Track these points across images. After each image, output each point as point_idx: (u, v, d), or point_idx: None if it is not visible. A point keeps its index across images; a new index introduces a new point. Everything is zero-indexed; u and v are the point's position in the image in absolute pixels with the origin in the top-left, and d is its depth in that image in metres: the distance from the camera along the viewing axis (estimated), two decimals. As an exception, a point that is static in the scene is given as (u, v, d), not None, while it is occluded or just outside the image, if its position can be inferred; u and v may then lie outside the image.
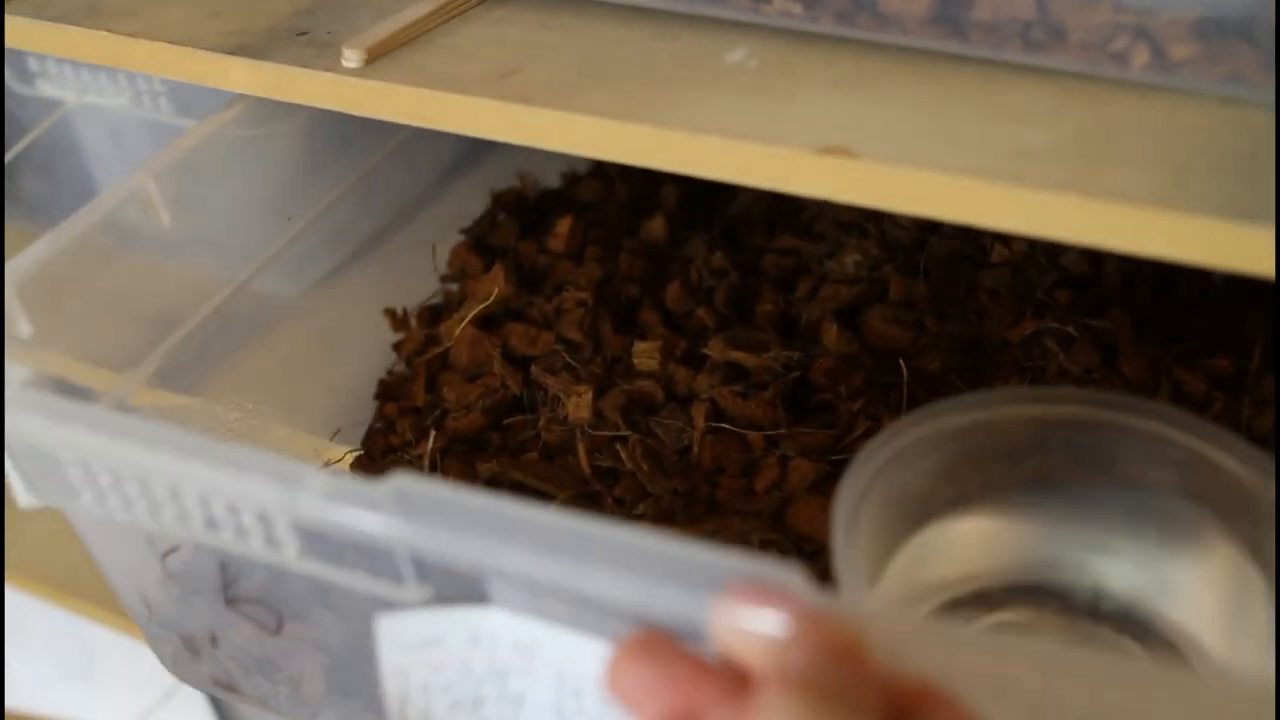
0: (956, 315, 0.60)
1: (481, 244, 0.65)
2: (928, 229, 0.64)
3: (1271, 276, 0.36)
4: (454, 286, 0.65)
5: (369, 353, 0.64)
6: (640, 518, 0.53)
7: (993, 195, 0.38)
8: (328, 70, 0.48)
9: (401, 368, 0.63)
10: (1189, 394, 0.54)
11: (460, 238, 0.67)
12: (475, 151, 0.75)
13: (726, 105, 0.43)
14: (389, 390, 0.62)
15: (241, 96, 0.58)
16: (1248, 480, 0.43)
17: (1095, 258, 0.62)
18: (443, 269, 0.66)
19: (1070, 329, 0.57)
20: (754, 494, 0.53)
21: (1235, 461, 0.43)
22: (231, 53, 0.50)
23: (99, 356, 0.61)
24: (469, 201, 0.71)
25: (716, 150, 0.42)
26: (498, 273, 0.62)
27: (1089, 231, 0.37)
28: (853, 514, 0.41)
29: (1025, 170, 0.38)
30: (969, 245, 0.62)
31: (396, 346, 0.63)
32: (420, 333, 0.62)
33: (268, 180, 0.65)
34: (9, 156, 0.72)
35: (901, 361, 0.55)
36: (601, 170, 0.72)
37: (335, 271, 0.70)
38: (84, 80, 0.69)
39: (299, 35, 0.50)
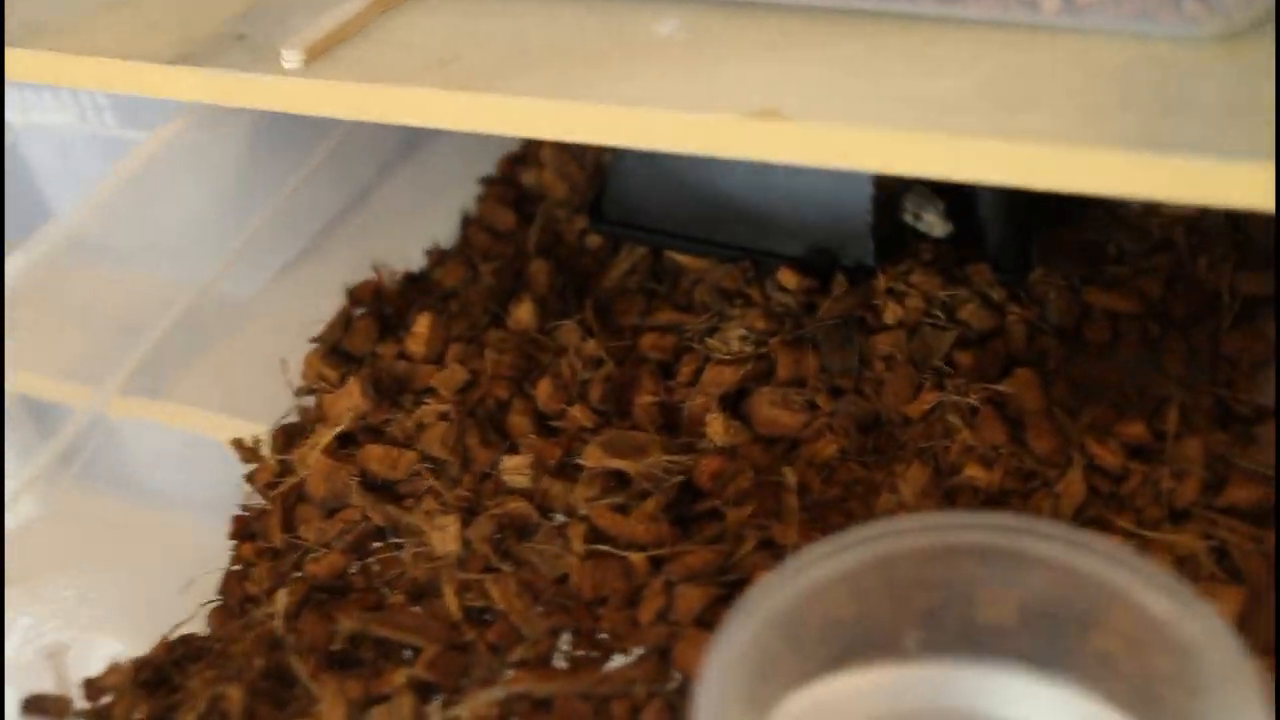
0: (851, 390, 0.55)
1: (336, 350, 0.60)
2: (816, 291, 0.59)
3: (1179, 202, 0.38)
4: (310, 401, 0.59)
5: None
6: (519, 665, 0.48)
7: (916, 144, 0.41)
8: (269, 73, 0.49)
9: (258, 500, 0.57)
10: (1103, 469, 0.49)
11: (423, 218, 0.68)
12: (419, 134, 0.78)
13: (660, 76, 0.45)
14: (245, 528, 0.56)
15: (187, 105, 0.62)
16: (1167, 624, 0.38)
17: (997, 307, 0.57)
18: (296, 380, 0.60)
19: (973, 399, 0.52)
20: (639, 626, 0.48)
21: (1158, 600, 0.39)
22: (174, 62, 0.51)
23: (71, 371, 0.66)
24: (415, 186, 0.76)
25: (652, 121, 0.44)
26: (353, 387, 0.57)
27: (1007, 172, 0.40)
28: (720, 692, 0.37)
29: (946, 118, 0.41)
30: (861, 305, 0.57)
31: (249, 478, 0.58)
32: (273, 461, 0.57)
33: (219, 183, 0.70)
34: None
35: (788, 472, 0.51)
36: (466, 248, 0.67)
37: (291, 266, 0.73)
38: (28, 100, 0.72)
39: (238, 39, 0.52)
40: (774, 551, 0.49)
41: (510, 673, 0.48)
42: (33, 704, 0.49)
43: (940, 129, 0.40)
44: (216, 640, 0.51)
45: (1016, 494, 0.50)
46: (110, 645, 0.54)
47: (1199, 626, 0.38)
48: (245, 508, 0.57)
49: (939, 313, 0.57)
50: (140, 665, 0.50)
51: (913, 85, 0.42)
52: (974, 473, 0.50)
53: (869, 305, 0.57)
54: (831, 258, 0.60)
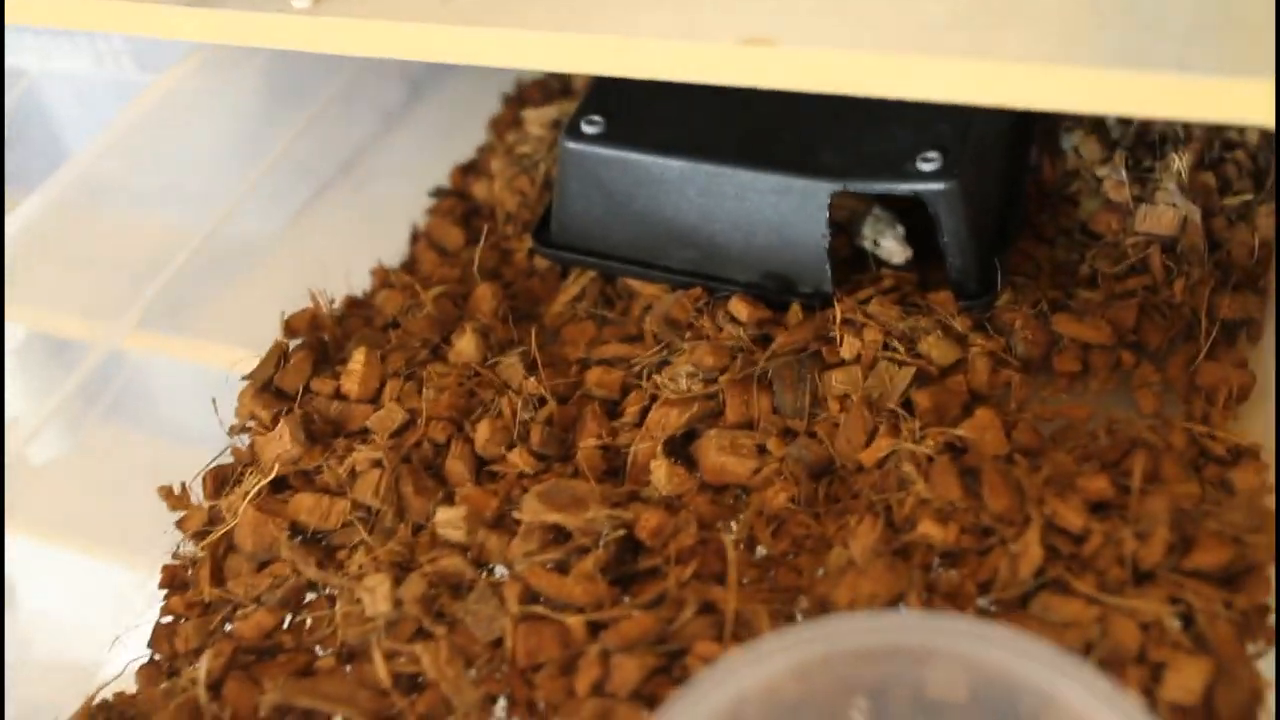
0: (804, 432, 0.52)
1: (269, 388, 0.57)
2: (769, 322, 0.56)
3: (1144, 116, 0.45)
4: (244, 442, 0.57)
5: (347, 283, 0.64)
6: (448, 738, 0.46)
7: (902, 66, 0.44)
8: (279, 11, 0.52)
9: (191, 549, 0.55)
10: (1063, 529, 0.46)
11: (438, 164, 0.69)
12: (433, 69, 0.82)
13: (656, 7, 0.48)
14: (175, 578, 0.54)
15: (199, 46, 0.66)
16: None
17: (959, 338, 0.54)
18: (229, 418, 0.58)
19: (929, 445, 0.49)
20: (575, 697, 0.46)
21: (1088, 701, 0.36)
22: (186, 3, 0.53)
23: (89, 309, 0.68)
24: (433, 120, 0.79)
25: (649, 51, 0.47)
26: (284, 430, 0.54)
27: (988, 91, 0.43)
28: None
29: (931, 40, 0.44)
30: (816, 337, 0.55)
31: (179, 524, 0.55)
32: (202, 510, 0.55)
33: (233, 124, 0.72)
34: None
35: (726, 540, 0.48)
36: (413, 268, 0.64)
37: (310, 204, 0.75)
38: (46, 46, 0.74)
39: (247, -20, 0.52)
40: (715, 617, 0.46)
41: (440, 747, 0.46)
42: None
43: (926, 51, 0.43)
44: (139, 709, 0.49)
45: (972, 553, 0.47)
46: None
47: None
48: (176, 556, 0.55)
49: (898, 345, 0.54)
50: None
51: (898, 9, 0.45)
52: (928, 529, 0.47)
53: (825, 337, 0.55)
54: (787, 285, 0.57)
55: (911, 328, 0.54)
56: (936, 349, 0.53)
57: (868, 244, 0.58)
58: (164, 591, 0.54)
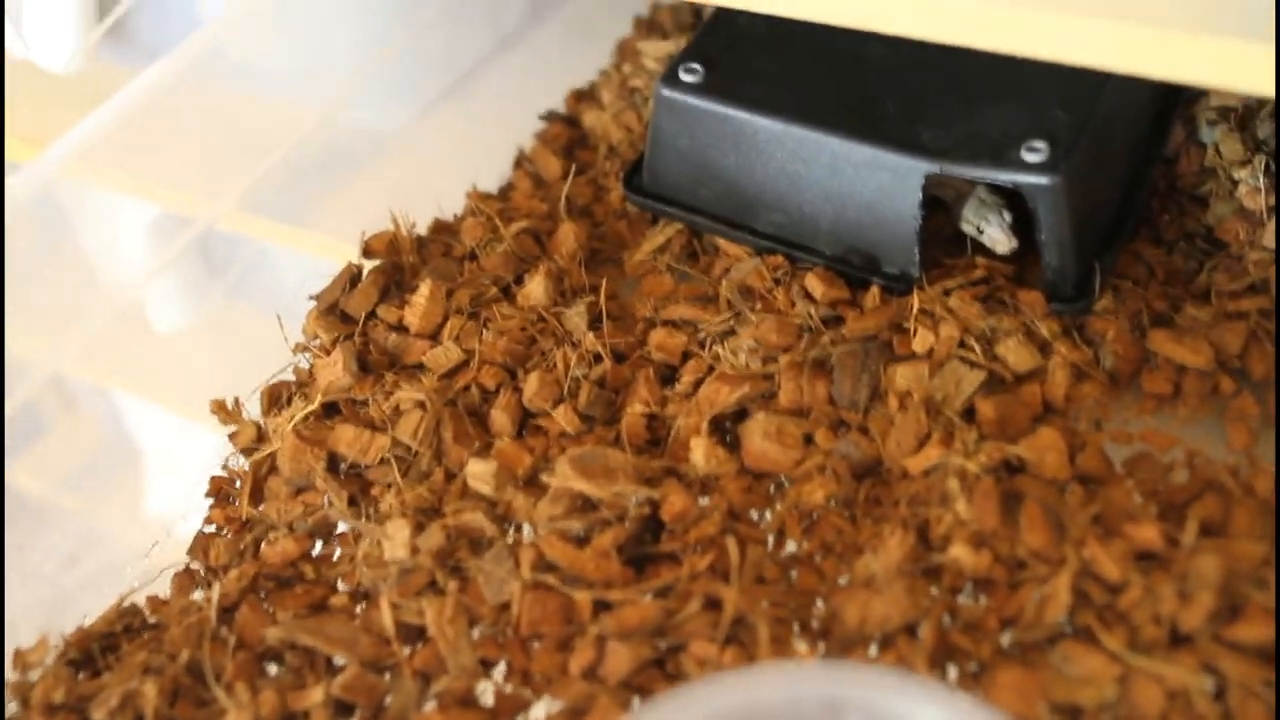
0: (856, 427, 0.50)
1: (335, 310, 0.57)
2: (844, 302, 0.53)
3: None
4: (307, 362, 0.57)
5: (465, 187, 0.63)
6: (439, 698, 0.45)
7: (1035, 20, 0.43)
8: None
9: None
10: (1099, 576, 0.43)
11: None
12: None
13: None
14: (220, 491, 0.54)
15: None
16: None
17: (1043, 345, 0.51)
18: (296, 335, 0.58)
19: (980, 462, 0.46)
20: (567, 675, 0.45)
21: None
22: None
23: (202, 185, 0.68)
24: (562, 34, 0.78)
25: None
26: (338, 358, 0.54)
27: (1125, 57, 0.42)
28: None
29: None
30: (889, 325, 0.52)
31: (231, 438, 0.56)
32: (253, 426, 0.55)
33: (360, 19, 0.71)
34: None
35: (730, 543, 0.46)
36: (505, 196, 0.63)
37: (435, 104, 0.74)
38: None
39: None
40: (718, 616, 0.44)
41: (430, 704, 0.45)
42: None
43: (1064, 9, 0.42)
44: (161, 619, 0.50)
45: (1003, 585, 0.44)
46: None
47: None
48: (225, 468, 0.55)
49: (974, 345, 0.50)
50: (75, 641, 0.49)
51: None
52: (960, 553, 0.44)
53: (898, 327, 0.52)
54: (872, 264, 0.54)
55: (993, 327, 0.51)
56: (1015, 354, 0.50)
57: (970, 229, 0.54)
58: (209, 501, 0.55)
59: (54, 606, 0.52)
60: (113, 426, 0.75)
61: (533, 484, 0.50)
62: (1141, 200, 0.55)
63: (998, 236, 0.53)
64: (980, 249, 0.55)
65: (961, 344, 0.51)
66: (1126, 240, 0.54)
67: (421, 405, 0.52)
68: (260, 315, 0.71)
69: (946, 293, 0.52)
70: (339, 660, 0.47)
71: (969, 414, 0.49)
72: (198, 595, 0.51)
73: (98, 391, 0.74)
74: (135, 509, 0.64)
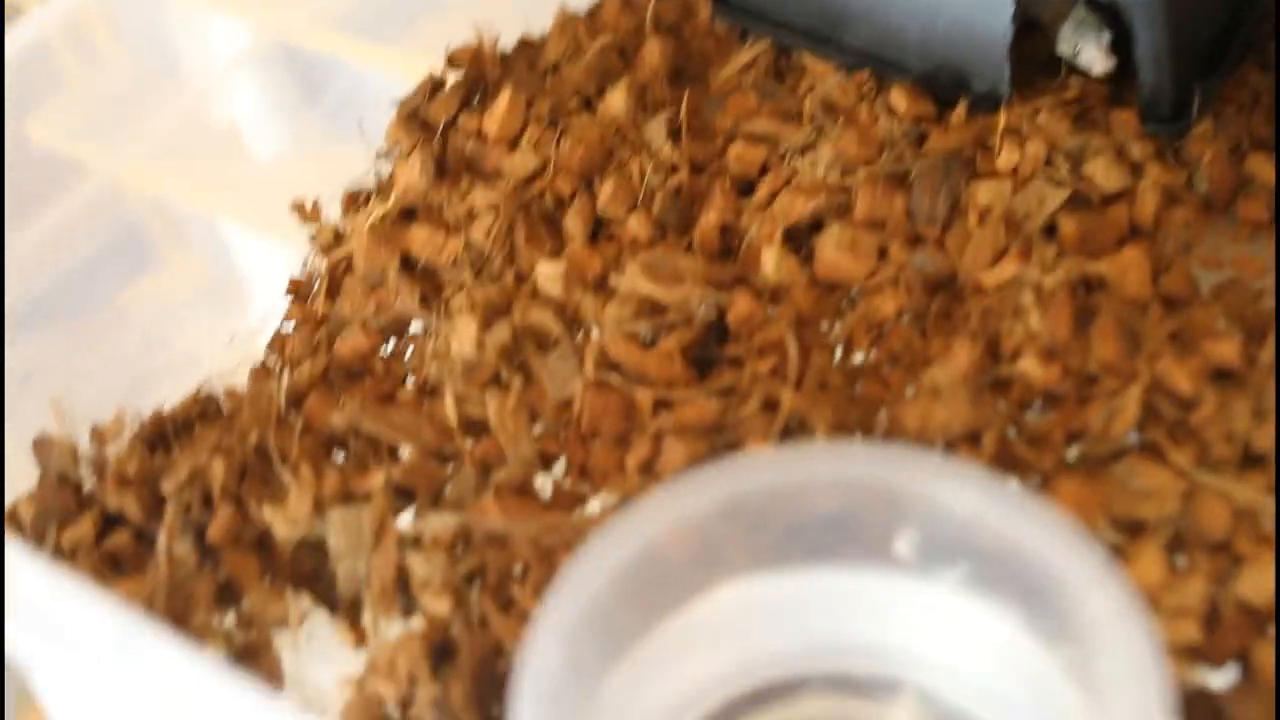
0: (932, 241, 0.48)
1: (416, 116, 0.56)
2: (929, 119, 0.52)
3: None
4: (387, 168, 0.57)
5: (554, 9, 0.60)
6: (498, 488, 0.46)
7: None
8: None
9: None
10: (1171, 391, 0.42)
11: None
12: None
13: None
14: (300, 290, 0.55)
15: None
16: (1051, 569, 0.33)
17: (1133, 166, 0.49)
18: (379, 142, 0.58)
19: (1056, 276, 0.45)
20: (624, 471, 0.45)
21: (1041, 546, 0.33)
22: None
23: (294, 5, 0.69)
24: None
25: None
26: (416, 161, 0.54)
27: None
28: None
29: None
30: (974, 143, 0.50)
31: (312, 238, 0.56)
32: (331, 227, 0.55)
33: None
34: None
35: (789, 339, 0.45)
36: (593, 12, 0.62)
37: None
38: None
39: None
40: (774, 417, 0.44)
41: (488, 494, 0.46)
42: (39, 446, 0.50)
43: None
44: (232, 406, 0.51)
45: (1072, 399, 0.43)
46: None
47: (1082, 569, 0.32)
48: (304, 268, 0.56)
49: (1061, 163, 0.49)
50: (151, 422, 0.50)
51: None
52: (1029, 366, 0.43)
53: (984, 145, 0.50)
54: (961, 80, 0.52)
55: (1082, 146, 0.49)
56: (1103, 173, 0.48)
57: (1067, 50, 0.52)
58: (289, 298, 0.55)
59: (132, 392, 0.53)
60: (215, 252, 0.77)
61: (602, 288, 0.50)
62: (1251, 24, 0.52)
63: (1095, 56, 0.51)
64: (1076, 75, 0.52)
65: (1048, 162, 0.49)
66: (1232, 65, 0.51)
67: (495, 209, 0.52)
68: (354, 138, 0.72)
69: (1036, 111, 0.50)
70: (402, 450, 0.48)
71: (1050, 231, 0.48)
72: (272, 387, 0.52)
73: (199, 218, 0.75)
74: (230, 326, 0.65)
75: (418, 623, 0.43)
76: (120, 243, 0.69)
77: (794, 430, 0.44)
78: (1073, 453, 0.43)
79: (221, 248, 0.76)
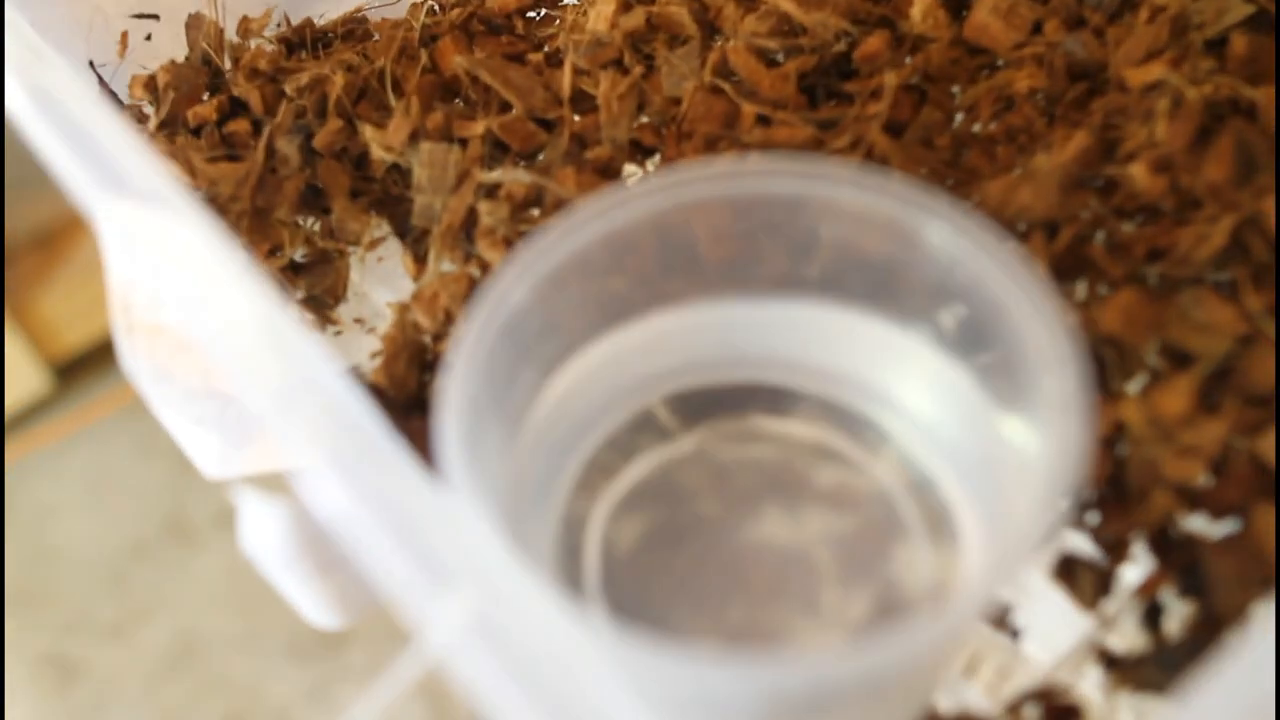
0: (1092, 29, 0.46)
1: None
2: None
3: None
4: None
5: None
6: (586, 162, 0.46)
7: None
8: None
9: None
10: (1267, 231, 0.39)
11: None
12: None
13: None
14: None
15: None
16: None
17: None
18: None
19: (1196, 92, 0.42)
20: (705, 175, 0.45)
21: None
22: None
23: None
24: None
25: None
26: None
27: None
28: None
29: None
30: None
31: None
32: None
33: None
34: None
35: (888, 80, 0.43)
36: None
37: None
38: None
39: None
40: (866, 156, 0.43)
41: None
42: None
43: None
44: (376, 29, 0.52)
45: (1169, 216, 0.41)
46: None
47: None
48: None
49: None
50: (298, 26, 0.52)
51: None
52: (1137, 171, 0.41)
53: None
54: None
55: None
56: (1302, -9, 0.44)
57: None
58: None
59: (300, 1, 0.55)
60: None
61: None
62: None
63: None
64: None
65: (1245, -32, 0.45)
66: None
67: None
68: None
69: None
70: (514, 110, 0.49)
71: (1219, 44, 0.44)
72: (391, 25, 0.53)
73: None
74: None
75: (472, 268, 0.45)
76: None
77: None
78: (1153, 272, 0.41)
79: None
